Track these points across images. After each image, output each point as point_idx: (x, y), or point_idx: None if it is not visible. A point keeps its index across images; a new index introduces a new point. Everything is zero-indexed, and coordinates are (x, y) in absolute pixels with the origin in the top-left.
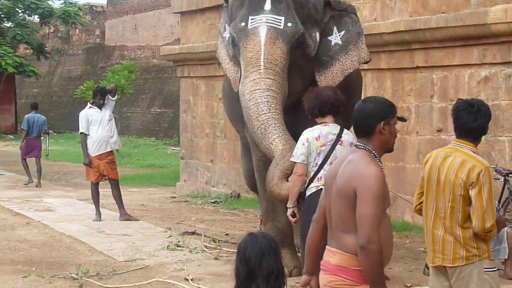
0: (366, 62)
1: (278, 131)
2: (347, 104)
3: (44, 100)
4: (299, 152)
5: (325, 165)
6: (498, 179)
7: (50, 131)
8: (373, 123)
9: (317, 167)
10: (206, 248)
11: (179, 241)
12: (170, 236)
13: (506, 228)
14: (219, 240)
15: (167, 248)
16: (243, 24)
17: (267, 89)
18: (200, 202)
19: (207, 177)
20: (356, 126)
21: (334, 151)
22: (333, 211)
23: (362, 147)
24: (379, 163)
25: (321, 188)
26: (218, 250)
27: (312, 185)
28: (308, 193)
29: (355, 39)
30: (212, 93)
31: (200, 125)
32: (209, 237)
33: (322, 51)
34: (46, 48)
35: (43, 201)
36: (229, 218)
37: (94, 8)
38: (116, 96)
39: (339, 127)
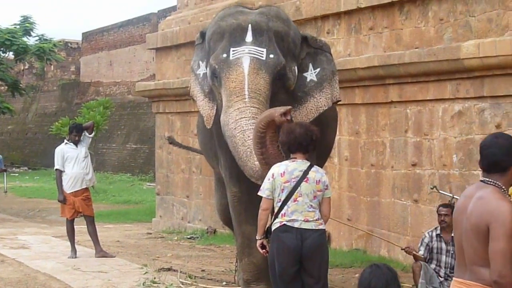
0: (336, 102)
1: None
2: (322, 140)
3: (19, 136)
4: (265, 187)
5: (289, 201)
6: None
7: (7, 170)
8: (509, 160)
9: (280, 203)
10: (182, 284)
11: (155, 278)
12: (146, 272)
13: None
14: (195, 276)
15: (143, 284)
16: (224, 55)
17: (253, 117)
18: (176, 238)
19: (183, 213)
20: (491, 162)
21: (299, 188)
22: (465, 245)
23: (492, 183)
24: (510, 198)
25: (284, 224)
26: (194, 287)
27: (276, 220)
28: (273, 227)
29: (329, 78)
30: (187, 128)
31: (175, 160)
32: (185, 273)
33: (298, 87)
34: (21, 85)
35: (17, 238)
36: (205, 254)
37: (69, 44)
38: (93, 133)
39: (307, 164)
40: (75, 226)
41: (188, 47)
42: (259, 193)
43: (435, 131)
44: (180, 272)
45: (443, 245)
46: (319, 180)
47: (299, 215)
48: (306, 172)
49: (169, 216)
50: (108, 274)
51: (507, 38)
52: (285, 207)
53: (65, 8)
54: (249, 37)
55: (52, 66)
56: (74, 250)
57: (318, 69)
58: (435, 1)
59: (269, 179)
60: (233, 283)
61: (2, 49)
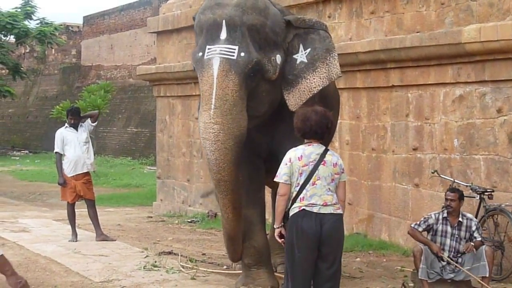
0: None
1: (226, 194)
2: None
3: (19, 120)
4: (282, 172)
5: (307, 185)
6: (474, 197)
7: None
8: None
9: (299, 187)
10: (183, 268)
11: (155, 261)
12: (146, 256)
13: (484, 246)
14: (196, 260)
15: (144, 268)
16: (200, 54)
17: (214, 141)
18: (176, 221)
19: (184, 197)
20: None
21: (317, 171)
22: None
23: None
24: None
25: (303, 209)
26: (195, 270)
27: (295, 205)
28: (291, 213)
29: (323, 56)
30: (188, 112)
31: (176, 144)
32: (186, 257)
33: (288, 70)
34: (22, 68)
35: (18, 222)
36: (206, 238)
37: (70, 28)
38: (96, 122)
39: (323, 147)
40: (75, 210)
41: (189, 31)
42: (276, 179)
43: (436, 115)
44: (181, 255)
45: (449, 229)
46: (336, 163)
47: (318, 198)
48: (323, 155)
49: (169, 199)
50: (108, 258)
51: (509, 23)
52: (304, 191)
53: None
54: (223, 34)
55: (53, 50)
56: (74, 233)
57: (308, 49)
58: None
59: (286, 164)
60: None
61: (3, 32)
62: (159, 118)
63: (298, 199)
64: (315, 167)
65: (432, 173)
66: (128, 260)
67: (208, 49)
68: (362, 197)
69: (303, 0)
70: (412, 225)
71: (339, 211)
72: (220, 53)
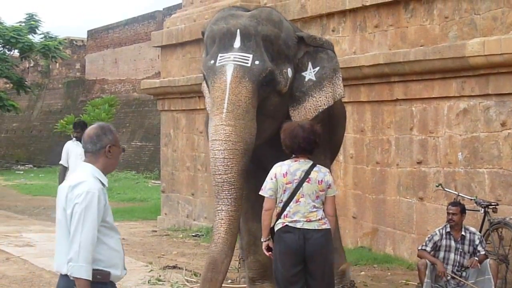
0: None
1: (228, 203)
2: (331, 138)
3: (24, 134)
4: (267, 186)
5: (291, 203)
6: (478, 211)
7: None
8: None
9: (282, 204)
10: (188, 282)
11: (160, 276)
12: (151, 270)
13: (488, 260)
14: (200, 274)
15: (148, 282)
16: (212, 61)
17: (225, 140)
18: (181, 235)
19: (188, 211)
20: None
21: (301, 188)
22: None
23: None
24: None
25: (286, 225)
26: (199, 284)
27: (278, 221)
28: (275, 228)
29: (330, 75)
30: (192, 126)
31: (181, 158)
32: (191, 271)
33: (296, 87)
34: (26, 82)
35: (22, 236)
36: None
37: (74, 42)
38: None
39: (310, 163)
40: None
41: (193, 45)
42: (260, 193)
43: (440, 129)
44: (186, 270)
45: (452, 243)
46: (321, 180)
47: (301, 216)
48: (308, 172)
49: (174, 213)
50: None
51: None
52: (288, 208)
53: (71, 6)
54: (237, 43)
55: (57, 64)
56: None
57: (317, 68)
58: None
59: (271, 179)
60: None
61: (7, 47)
62: (163, 132)
63: (282, 215)
64: (299, 185)
65: (437, 186)
66: (133, 274)
67: (221, 56)
68: (366, 211)
69: (307, 14)
70: (419, 248)
71: (325, 226)
72: (234, 60)
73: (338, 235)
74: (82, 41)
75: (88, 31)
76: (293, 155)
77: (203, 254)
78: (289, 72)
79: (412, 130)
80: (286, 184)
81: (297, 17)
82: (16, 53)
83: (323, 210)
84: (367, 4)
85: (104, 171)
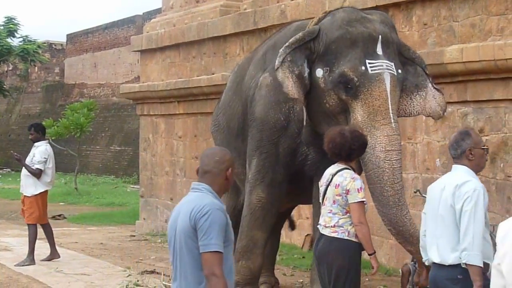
0: None
1: (407, 206)
2: None
3: (2, 138)
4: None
5: (322, 206)
6: None
7: None
8: None
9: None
10: (166, 287)
11: (138, 280)
12: (129, 275)
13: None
14: None
15: (126, 287)
16: (363, 68)
17: (399, 150)
18: (159, 240)
19: (167, 215)
20: None
21: (327, 192)
22: None
23: None
24: None
25: (317, 227)
26: None
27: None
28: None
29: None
30: (171, 131)
31: (159, 163)
32: (169, 276)
33: None
34: (4, 86)
35: (0, 240)
36: None
37: (54, 46)
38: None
39: (339, 168)
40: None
41: (173, 50)
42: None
43: (418, 135)
44: (164, 275)
45: None
46: (338, 184)
47: (322, 219)
48: (333, 176)
49: (153, 218)
50: (91, 277)
51: (490, 43)
52: (321, 212)
53: (50, 9)
54: (379, 50)
55: (36, 68)
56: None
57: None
58: (419, 5)
59: None
60: None
61: None
62: (142, 137)
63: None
64: (326, 188)
65: (415, 192)
66: (111, 279)
67: (371, 63)
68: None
69: (286, 20)
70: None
71: (334, 235)
72: (387, 68)
73: None
74: (61, 45)
75: (67, 35)
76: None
77: None
78: None
79: None
80: (320, 187)
81: (277, 23)
82: None
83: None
84: None
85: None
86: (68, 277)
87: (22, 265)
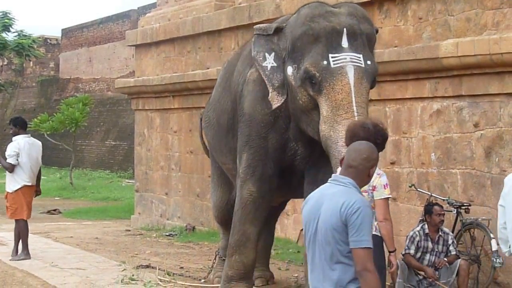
0: None
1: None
2: None
3: None
4: None
5: None
6: (451, 211)
7: None
8: None
9: None
10: (161, 281)
11: (133, 275)
12: (124, 269)
13: (459, 260)
14: (173, 274)
15: (121, 282)
16: (325, 62)
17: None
18: (154, 235)
19: (162, 210)
20: None
21: None
22: None
23: None
24: None
25: None
26: (172, 284)
27: None
28: None
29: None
30: (166, 125)
31: (154, 157)
32: (164, 270)
33: None
34: None
35: None
36: (184, 251)
37: (49, 40)
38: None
39: None
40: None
41: (167, 44)
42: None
43: (413, 130)
44: (159, 269)
45: (430, 244)
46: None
47: None
48: None
49: (148, 213)
50: (86, 271)
51: (485, 38)
52: None
53: (45, 4)
54: (344, 42)
55: (31, 62)
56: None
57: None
58: (414, 0)
59: None
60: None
61: None
62: (138, 132)
63: None
64: None
65: (410, 187)
66: (106, 274)
67: (334, 57)
68: None
69: (281, 14)
70: (403, 252)
71: None
72: (351, 61)
73: None
74: (56, 39)
75: (62, 30)
76: None
77: (177, 253)
78: None
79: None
80: None
81: (272, 17)
82: None
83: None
84: None
85: None
86: (64, 272)
87: (17, 260)
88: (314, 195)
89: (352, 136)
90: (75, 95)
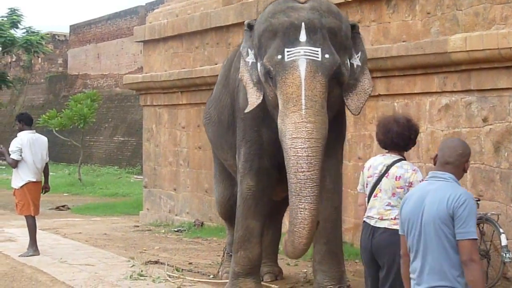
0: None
1: (311, 201)
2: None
3: (6, 129)
4: (359, 181)
5: (371, 197)
6: None
7: None
8: None
9: (366, 198)
10: (170, 277)
11: (142, 271)
12: (133, 265)
13: None
14: (182, 269)
15: (130, 277)
16: (279, 56)
17: (308, 138)
18: (163, 230)
19: (170, 206)
20: None
21: (380, 183)
22: None
23: None
24: None
25: (364, 220)
26: (181, 279)
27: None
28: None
29: (366, 58)
30: (175, 121)
31: (163, 153)
32: (173, 266)
33: (349, 76)
34: (8, 77)
35: (4, 231)
36: (192, 247)
37: (57, 37)
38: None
39: (394, 158)
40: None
41: (175, 40)
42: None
43: (422, 124)
44: (167, 265)
45: None
46: (399, 176)
47: (375, 212)
48: (389, 167)
49: (156, 209)
50: (95, 267)
51: (494, 32)
52: (369, 203)
53: (53, 1)
54: (303, 36)
55: (39, 59)
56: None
57: (359, 53)
58: None
59: (362, 173)
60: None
61: None
62: (146, 127)
63: (366, 210)
64: (379, 179)
65: (419, 182)
66: (115, 270)
67: (289, 51)
68: (348, 206)
69: None
70: None
71: (396, 227)
72: (305, 54)
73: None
74: (65, 36)
75: (70, 26)
76: (386, 150)
77: (185, 249)
78: (349, 62)
79: None
80: (368, 177)
81: None
82: None
83: None
84: None
85: None
86: (72, 268)
87: (26, 256)
88: (415, 193)
89: (386, 132)
90: (83, 91)
